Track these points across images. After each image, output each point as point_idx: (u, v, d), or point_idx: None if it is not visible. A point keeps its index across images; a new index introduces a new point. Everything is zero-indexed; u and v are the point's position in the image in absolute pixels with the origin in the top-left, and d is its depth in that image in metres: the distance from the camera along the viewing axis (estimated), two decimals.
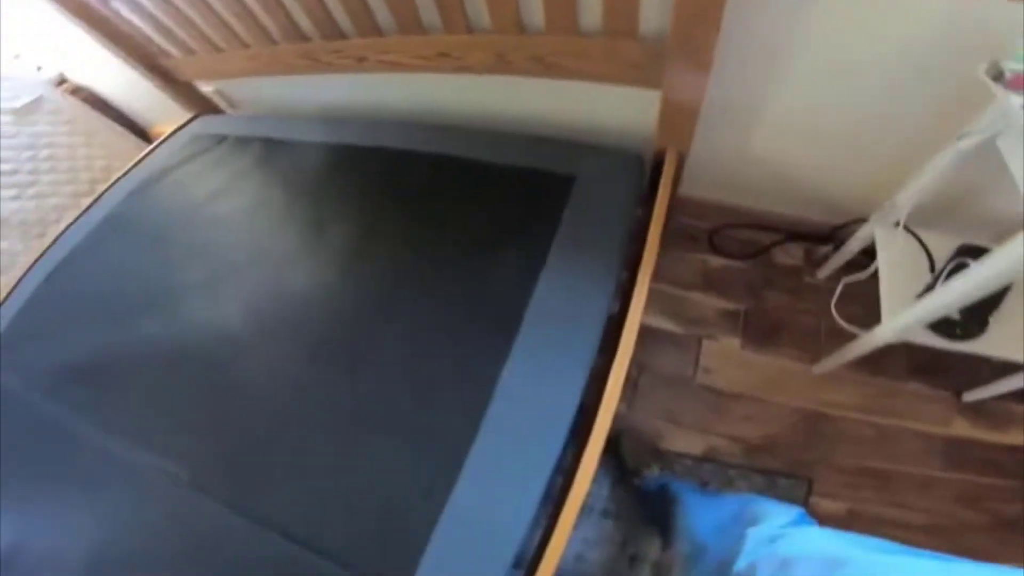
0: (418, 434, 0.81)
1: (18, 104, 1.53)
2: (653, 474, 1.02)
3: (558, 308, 0.86)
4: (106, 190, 1.41)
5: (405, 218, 1.09)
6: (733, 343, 1.14)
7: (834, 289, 1.03)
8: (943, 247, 0.92)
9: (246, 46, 1.26)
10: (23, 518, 0.89)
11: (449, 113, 1.29)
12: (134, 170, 1.44)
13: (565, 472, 0.77)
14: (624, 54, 0.94)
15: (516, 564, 0.72)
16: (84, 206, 1.39)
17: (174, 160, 1.41)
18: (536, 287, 0.89)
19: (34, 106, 1.56)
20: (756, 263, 1.23)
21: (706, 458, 1.06)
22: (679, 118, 1.01)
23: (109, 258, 1.23)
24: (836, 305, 1.00)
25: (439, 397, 0.83)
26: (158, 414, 0.95)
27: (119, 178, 1.43)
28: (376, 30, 1.11)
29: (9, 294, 1.24)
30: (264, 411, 0.90)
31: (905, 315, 0.81)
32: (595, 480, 1.04)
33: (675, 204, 1.27)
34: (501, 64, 1.06)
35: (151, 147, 1.51)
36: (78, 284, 1.20)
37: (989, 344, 0.83)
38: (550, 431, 0.77)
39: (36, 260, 1.30)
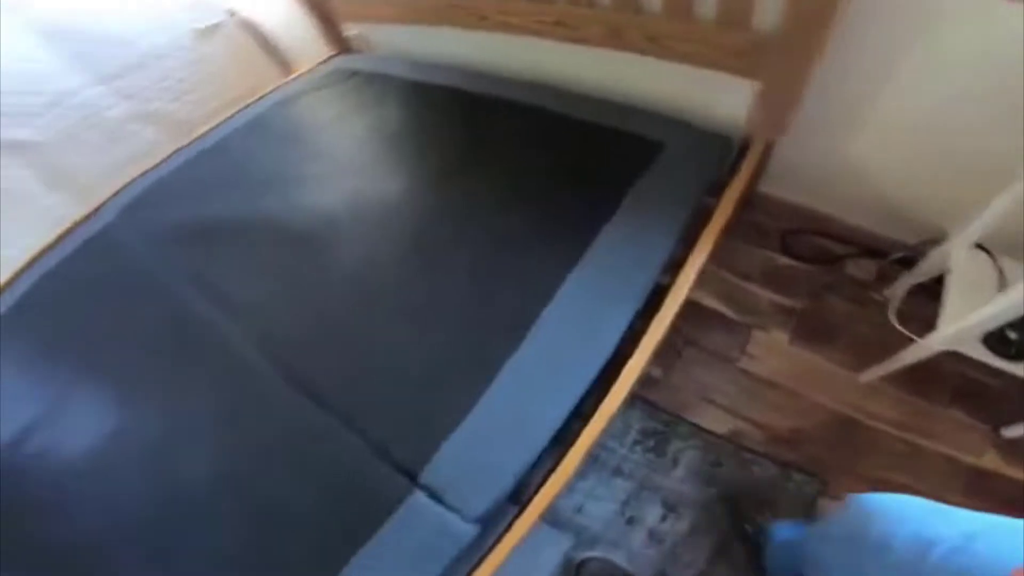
0: (473, 330, 0.94)
1: (201, 26, 1.81)
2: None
3: (618, 253, 0.96)
4: (251, 103, 1.67)
5: (500, 154, 1.23)
6: (782, 337, 1.18)
7: (899, 308, 1.05)
8: (1019, 273, 0.92)
9: None
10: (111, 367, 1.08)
11: (553, 77, 1.39)
12: (277, 90, 1.69)
13: (583, 418, 0.85)
14: (733, 43, 1.00)
15: (514, 499, 0.81)
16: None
17: (311, 85, 1.64)
18: (603, 228, 1.00)
19: (212, 30, 1.84)
20: (823, 269, 1.25)
21: (727, 438, 1.10)
22: (773, 111, 1.06)
23: (244, 150, 1.47)
24: (896, 314, 1.02)
25: (499, 302, 0.96)
26: (252, 280, 1.13)
27: (264, 95, 1.68)
28: None
29: (148, 170, 1.51)
30: (345, 293, 1.06)
31: (962, 320, 0.83)
32: (614, 436, 1.13)
33: (753, 196, 1.32)
34: (613, 39, 1.16)
35: (293, 75, 1.76)
36: (214, 167, 1.44)
37: None
38: (585, 362, 0.86)
39: (186, 145, 1.57)
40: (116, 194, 1.47)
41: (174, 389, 1.01)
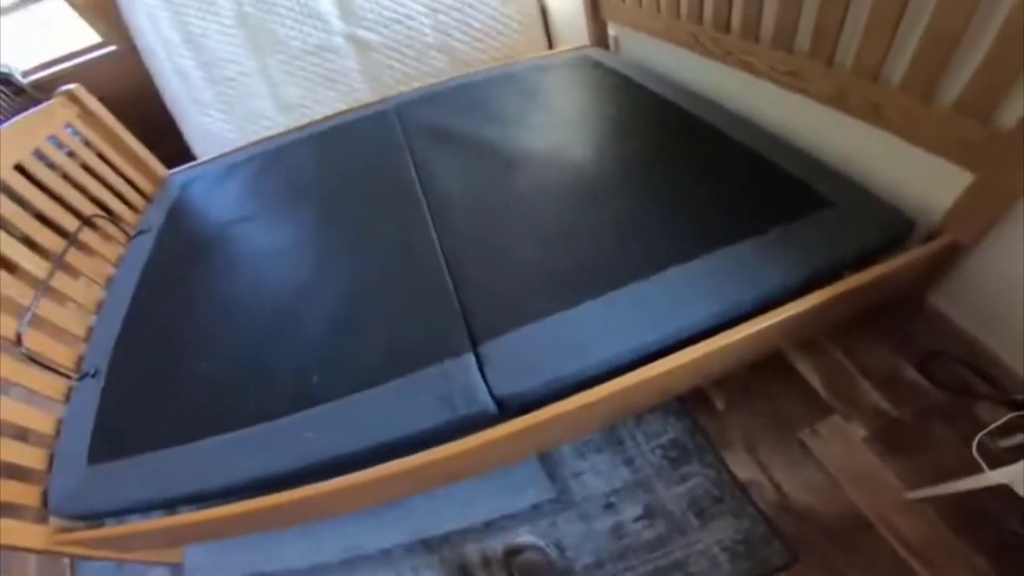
0: (588, 261, 1.13)
1: None
2: None
3: (734, 266, 1.05)
4: (514, 62, 2.12)
5: (680, 155, 1.40)
6: (859, 432, 1.11)
7: (1006, 461, 0.93)
8: None
9: (658, 10, 1.68)
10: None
11: (754, 109, 1.48)
12: (537, 58, 2.11)
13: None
14: (964, 131, 0.95)
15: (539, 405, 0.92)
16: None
17: (563, 63, 2.01)
18: (738, 242, 1.08)
19: None
20: (949, 397, 1.13)
21: (742, 485, 1.10)
22: (978, 211, 0.99)
23: (494, 93, 1.89)
24: (978, 446, 0.91)
25: (624, 250, 1.14)
26: (454, 175, 1.51)
27: (526, 59, 2.11)
28: (754, 36, 1.36)
29: (431, 85, 2.07)
30: (513, 202, 1.36)
31: None
32: (647, 433, 1.22)
33: (923, 306, 1.21)
34: (838, 99, 1.19)
35: (553, 51, 2.15)
36: (469, 97, 1.91)
37: None
38: (655, 327, 0.97)
39: (458, 77, 2.08)
40: (402, 94, 2.04)
41: (368, 216, 1.46)
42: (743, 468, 1.14)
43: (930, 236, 1.09)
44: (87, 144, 1.67)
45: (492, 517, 1.18)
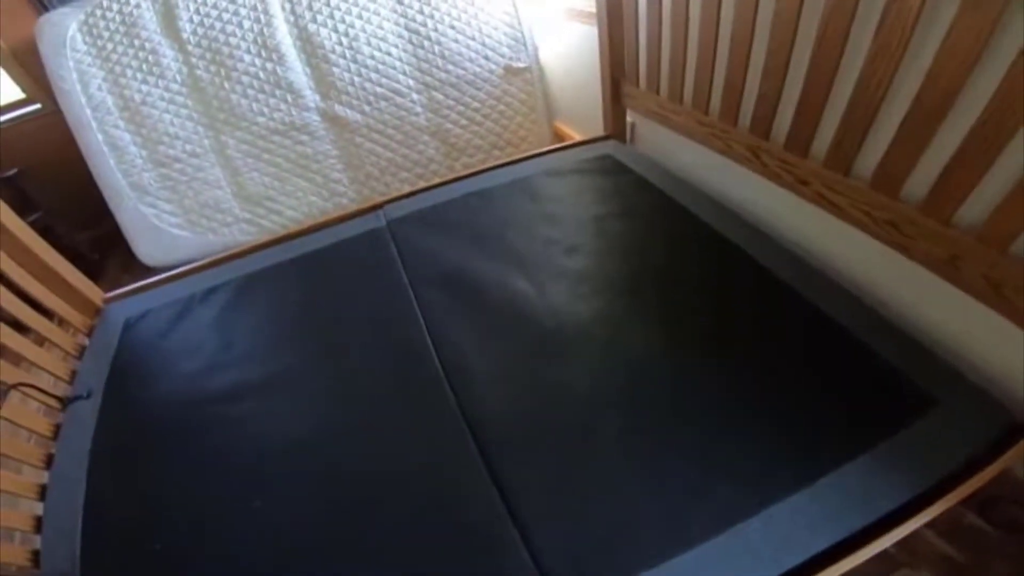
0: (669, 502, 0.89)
1: (515, 64, 2.05)
2: None
3: (846, 491, 0.88)
4: (519, 159, 1.80)
5: (745, 319, 1.15)
6: None
7: None
8: None
9: (704, 112, 1.41)
10: None
11: (830, 260, 1.24)
12: (546, 156, 1.80)
13: None
14: None
15: None
16: (496, 158, 1.83)
17: (580, 165, 1.70)
18: (844, 466, 0.91)
19: (519, 71, 2.07)
20: (1008, 538, 1.07)
21: None
22: None
23: (506, 205, 1.59)
24: None
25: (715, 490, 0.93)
26: (472, 338, 1.18)
27: (532, 155, 1.80)
28: (844, 169, 1.09)
29: (427, 188, 1.70)
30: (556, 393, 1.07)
31: None
32: None
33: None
34: (950, 268, 0.98)
35: (563, 145, 1.85)
36: (477, 212, 1.57)
37: None
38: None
39: (454, 179, 1.72)
40: (394, 200, 1.68)
41: (382, 395, 1.12)
42: None
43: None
44: None
45: None
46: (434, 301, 1.30)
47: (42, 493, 1.08)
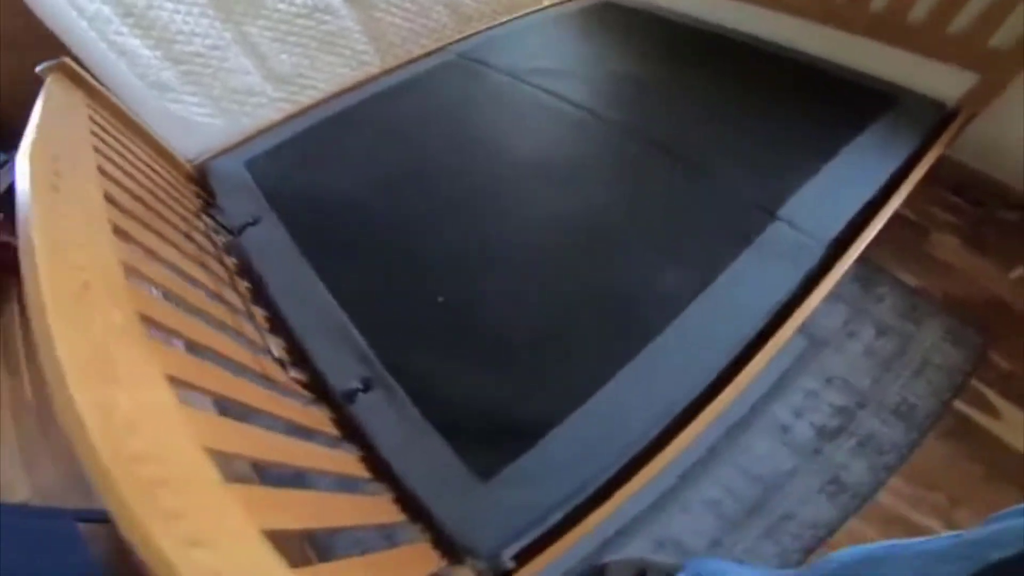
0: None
1: None
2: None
3: (836, 184, 1.23)
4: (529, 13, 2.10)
5: (744, 80, 1.60)
6: (952, 240, 1.56)
7: None
8: None
9: None
10: None
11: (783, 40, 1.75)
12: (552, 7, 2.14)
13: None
14: (974, 48, 1.37)
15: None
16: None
17: (575, 9, 2.08)
18: (822, 167, 1.26)
19: None
20: (973, 207, 1.62)
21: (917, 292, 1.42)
22: (984, 94, 1.41)
23: (523, 46, 1.90)
24: None
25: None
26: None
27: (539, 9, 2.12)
28: None
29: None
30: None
31: None
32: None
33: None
34: (875, 29, 1.54)
35: None
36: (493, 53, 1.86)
37: None
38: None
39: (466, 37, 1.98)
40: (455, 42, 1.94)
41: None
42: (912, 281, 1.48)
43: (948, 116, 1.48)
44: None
45: None
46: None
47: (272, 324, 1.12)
